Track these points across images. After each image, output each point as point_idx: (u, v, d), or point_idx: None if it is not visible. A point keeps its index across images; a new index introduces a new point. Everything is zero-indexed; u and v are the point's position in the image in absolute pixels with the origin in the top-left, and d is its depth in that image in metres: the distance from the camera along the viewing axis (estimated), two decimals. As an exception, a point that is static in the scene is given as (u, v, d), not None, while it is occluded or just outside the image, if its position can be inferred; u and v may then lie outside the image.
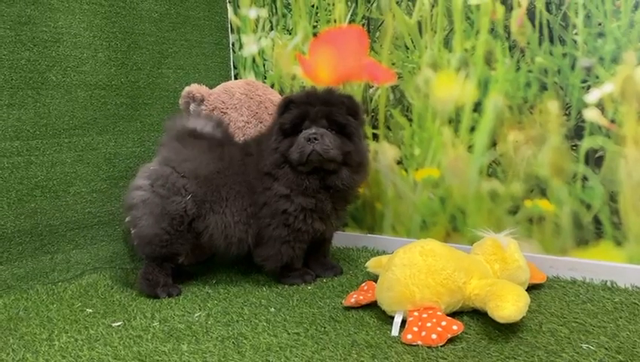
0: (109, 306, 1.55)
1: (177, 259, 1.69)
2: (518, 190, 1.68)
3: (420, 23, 1.82)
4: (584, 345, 1.16)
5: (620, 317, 1.30)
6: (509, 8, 1.65)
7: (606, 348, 1.14)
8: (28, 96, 1.73)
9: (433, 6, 1.79)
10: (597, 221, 1.56)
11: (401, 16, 1.86)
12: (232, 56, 2.37)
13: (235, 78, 2.35)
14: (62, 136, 1.82)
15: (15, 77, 1.70)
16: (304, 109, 1.59)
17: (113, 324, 1.41)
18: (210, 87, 1.99)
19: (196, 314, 1.45)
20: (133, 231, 1.72)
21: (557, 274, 1.62)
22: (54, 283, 1.77)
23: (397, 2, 1.86)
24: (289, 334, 1.30)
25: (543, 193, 1.64)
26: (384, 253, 1.90)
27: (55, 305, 1.58)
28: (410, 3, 1.84)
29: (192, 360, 1.18)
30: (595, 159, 1.55)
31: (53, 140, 1.79)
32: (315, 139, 1.54)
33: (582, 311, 1.36)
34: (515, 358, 1.12)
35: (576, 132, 1.57)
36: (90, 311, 1.52)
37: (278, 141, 1.61)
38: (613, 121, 1.51)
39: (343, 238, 2.05)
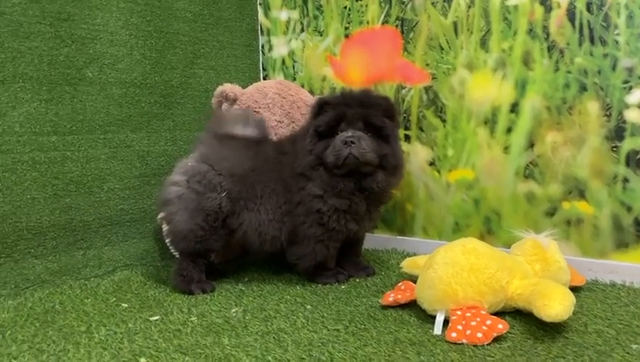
0: (144, 301, 1.55)
1: (210, 256, 1.69)
2: (556, 192, 1.66)
3: (455, 24, 1.82)
4: (634, 346, 1.14)
5: (668, 320, 1.28)
6: (548, 9, 1.64)
7: (657, 349, 1.12)
8: (65, 92, 1.75)
9: (470, 6, 1.78)
10: (638, 223, 1.54)
11: (436, 17, 1.86)
12: (261, 57, 2.38)
13: (264, 80, 2.36)
14: (97, 133, 1.83)
15: (53, 72, 1.72)
16: (340, 111, 1.58)
17: (151, 318, 1.40)
18: (242, 88, 2.00)
19: (233, 310, 1.44)
20: (167, 227, 1.73)
21: (596, 277, 1.60)
22: (87, 279, 1.77)
23: (432, 3, 1.86)
24: (329, 330, 1.29)
25: (582, 195, 1.62)
26: (414, 255, 1.88)
27: (90, 300, 1.58)
28: (445, 4, 1.84)
29: (234, 354, 1.17)
30: (636, 160, 1.53)
31: (89, 136, 1.81)
32: (352, 142, 1.53)
33: (626, 313, 1.34)
34: (564, 357, 1.11)
35: (617, 133, 1.55)
36: (126, 305, 1.52)
37: (312, 143, 1.60)
38: (656, 122, 1.49)
39: (373, 240, 2.04)
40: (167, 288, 1.67)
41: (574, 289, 1.49)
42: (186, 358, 1.16)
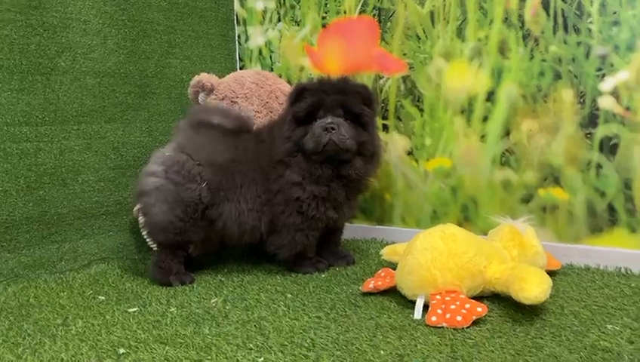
0: (122, 294, 1.53)
1: (189, 248, 1.67)
2: (532, 179, 1.69)
3: (432, 13, 1.83)
4: (609, 326, 1.17)
5: (640, 301, 1.31)
6: (523, -2, 1.66)
7: (631, 329, 1.15)
8: (37, 82, 1.71)
9: (446, -4, 1.80)
10: (611, 208, 1.58)
11: (413, 6, 1.87)
12: (237, 48, 2.35)
13: (241, 70, 2.34)
14: (70, 123, 1.79)
15: (25, 62, 1.68)
16: (319, 98, 1.58)
17: (129, 310, 1.38)
18: (218, 78, 1.98)
19: (213, 300, 1.43)
20: (144, 219, 1.70)
21: (570, 261, 1.63)
22: (62, 273, 1.74)
23: (409, -8, 1.87)
24: (310, 317, 1.29)
25: (557, 181, 1.65)
26: (393, 243, 1.89)
27: (65, 293, 1.55)
28: (422, -7, 1.85)
29: (215, 342, 1.16)
30: (609, 147, 1.56)
31: (62, 127, 1.77)
32: (332, 128, 1.53)
33: (600, 295, 1.37)
34: (542, 338, 1.12)
35: (591, 120, 1.58)
36: (103, 298, 1.49)
37: (291, 129, 1.60)
38: (628, 109, 1.53)
39: (352, 230, 2.04)
40: (145, 280, 1.65)
41: (550, 274, 1.51)
42: (166, 348, 1.14)
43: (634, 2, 1.49)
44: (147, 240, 1.79)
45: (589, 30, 1.56)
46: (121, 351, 1.14)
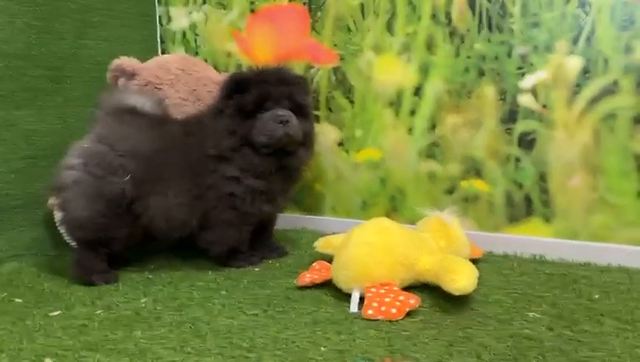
0: (41, 295, 1.43)
1: (113, 244, 1.58)
2: (455, 171, 1.76)
3: (362, 5, 1.84)
4: (530, 314, 1.25)
5: (555, 287, 1.41)
6: (450, -5, 1.71)
7: (549, 316, 1.23)
8: None
9: (376, -11, 1.81)
10: (528, 199, 1.68)
11: (343, -3, 1.86)
12: (159, 29, 2.24)
13: (163, 53, 2.23)
14: (-25, 110, 1.63)
15: None
16: (265, 89, 1.53)
17: (51, 314, 1.30)
18: (140, 62, 1.87)
19: (142, 300, 1.38)
20: (62, 215, 1.59)
21: (491, 249, 1.72)
22: (-32, 273, 1.60)
23: (340, -17, 1.86)
24: (247, 316, 1.27)
25: (479, 173, 1.73)
26: (323, 233, 1.90)
27: (-25, 297, 1.42)
28: (352, -16, 1.85)
29: (149, 347, 1.11)
30: (527, 142, 1.66)
31: (-35, 114, 1.61)
32: (287, 121, 1.51)
33: (520, 282, 1.46)
34: (472, 328, 1.18)
35: (511, 116, 1.67)
36: (20, 301, 1.39)
37: (236, 123, 1.54)
38: (544, 106, 1.62)
39: (282, 220, 2.02)
40: (65, 280, 1.55)
41: (473, 262, 1.60)
42: (97, 355, 1.08)
43: (552, 5, 1.58)
44: (65, 237, 1.68)
45: (512, 30, 1.64)
46: (47, 360, 1.07)
